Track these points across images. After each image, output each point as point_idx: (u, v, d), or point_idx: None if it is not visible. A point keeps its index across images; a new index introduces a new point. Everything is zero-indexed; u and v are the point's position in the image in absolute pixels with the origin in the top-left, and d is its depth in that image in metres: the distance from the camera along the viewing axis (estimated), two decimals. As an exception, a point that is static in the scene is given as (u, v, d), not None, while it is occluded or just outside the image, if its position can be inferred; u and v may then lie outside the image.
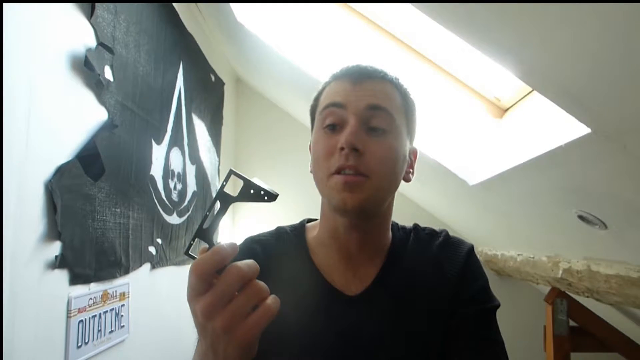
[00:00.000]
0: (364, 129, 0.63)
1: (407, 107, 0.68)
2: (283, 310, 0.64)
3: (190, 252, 0.49)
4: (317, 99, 0.71)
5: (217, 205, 0.49)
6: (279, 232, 0.76)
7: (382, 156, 0.63)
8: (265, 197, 0.49)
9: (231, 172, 0.50)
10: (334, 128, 0.65)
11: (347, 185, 0.61)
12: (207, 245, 0.47)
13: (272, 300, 0.46)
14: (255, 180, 0.49)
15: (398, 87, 0.68)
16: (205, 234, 0.48)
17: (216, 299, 0.44)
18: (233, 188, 0.49)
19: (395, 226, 0.75)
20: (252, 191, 0.49)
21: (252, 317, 0.44)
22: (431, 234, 0.75)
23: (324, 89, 0.71)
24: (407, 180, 0.71)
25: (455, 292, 0.68)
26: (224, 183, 0.49)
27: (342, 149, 0.61)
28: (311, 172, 0.70)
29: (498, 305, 0.69)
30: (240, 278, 0.44)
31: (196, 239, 0.49)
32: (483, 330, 0.67)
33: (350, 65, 0.69)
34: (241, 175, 0.49)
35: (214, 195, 2.30)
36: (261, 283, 0.46)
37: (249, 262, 0.46)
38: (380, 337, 0.65)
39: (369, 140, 0.62)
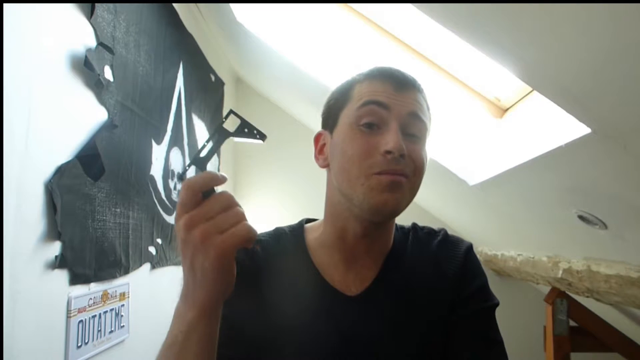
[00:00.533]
0: (402, 133, 0.63)
1: (430, 118, 0.70)
2: (282, 310, 0.64)
3: (184, 177, 0.53)
4: (345, 94, 0.68)
5: (215, 137, 0.56)
6: (278, 232, 0.75)
7: (419, 160, 0.64)
8: (257, 136, 0.56)
9: (230, 112, 0.56)
10: (372, 127, 0.63)
11: (393, 184, 0.61)
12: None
13: (249, 224, 0.49)
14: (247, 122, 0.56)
15: (425, 97, 0.69)
16: (201, 161, 0.54)
17: (200, 213, 0.47)
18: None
19: (394, 226, 0.75)
20: (246, 130, 0.56)
21: (229, 231, 0.47)
22: (430, 233, 0.75)
23: (353, 85, 0.68)
24: None
25: (454, 290, 0.68)
26: (224, 120, 0.56)
27: (388, 152, 0.60)
28: (322, 166, 0.70)
29: (497, 304, 0.69)
30: (226, 200, 0.49)
31: (191, 166, 0.56)
32: (482, 329, 0.67)
33: (387, 68, 0.68)
34: (239, 115, 0.57)
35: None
36: (242, 210, 0.49)
37: (228, 193, 0.50)
38: (381, 337, 0.65)
39: (407, 144, 0.62)
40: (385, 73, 0.67)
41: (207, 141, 0.55)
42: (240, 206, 0.50)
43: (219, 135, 0.56)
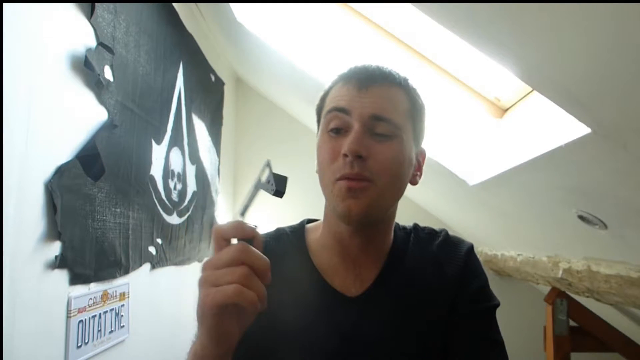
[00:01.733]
0: (367, 134, 0.62)
1: (414, 110, 0.67)
2: (283, 311, 0.64)
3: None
4: (323, 100, 0.70)
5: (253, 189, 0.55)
6: (279, 233, 0.75)
7: (386, 160, 0.62)
8: (274, 192, 0.55)
9: (268, 164, 0.56)
10: (339, 132, 0.64)
11: (351, 191, 0.60)
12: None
13: (250, 294, 0.45)
14: (282, 176, 0.55)
15: (406, 89, 0.67)
16: (242, 211, 0.54)
17: (211, 260, 0.47)
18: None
19: (396, 226, 0.75)
20: (269, 182, 0.55)
21: (220, 288, 0.45)
22: (431, 233, 0.75)
23: (330, 89, 0.69)
24: (414, 183, 0.70)
25: (455, 291, 0.68)
26: (267, 170, 0.56)
27: (345, 155, 0.61)
28: (317, 172, 0.70)
29: (498, 305, 0.69)
30: (233, 253, 0.46)
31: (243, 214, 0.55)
32: (483, 330, 0.67)
33: (359, 66, 0.68)
34: (271, 169, 0.56)
35: (213, 194, 2.30)
36: (255, 277, 0.47)
37: (260, 255, 0.48)
38: (381, 337, 0.65)
39: (373, 144, 0.62)
40: (353, 74, 0.66)
41: (254, 193, 0.55)
42: (258, 259, 0.47)
43: (255, 187, 0.55)
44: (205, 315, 0.47)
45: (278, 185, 0.54)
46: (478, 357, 0.65)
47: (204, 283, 0.47)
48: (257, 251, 0.48)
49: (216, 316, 0.47)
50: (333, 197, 0.63)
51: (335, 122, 0.64)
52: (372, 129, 0.62)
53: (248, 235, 0.48)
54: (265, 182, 0.55)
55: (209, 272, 0.47)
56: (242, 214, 0.53)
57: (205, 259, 0.49)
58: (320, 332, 0.65)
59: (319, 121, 0.71)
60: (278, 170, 0.56)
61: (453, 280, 0.69)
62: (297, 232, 0.75)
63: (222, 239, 0.48)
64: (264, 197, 0.56)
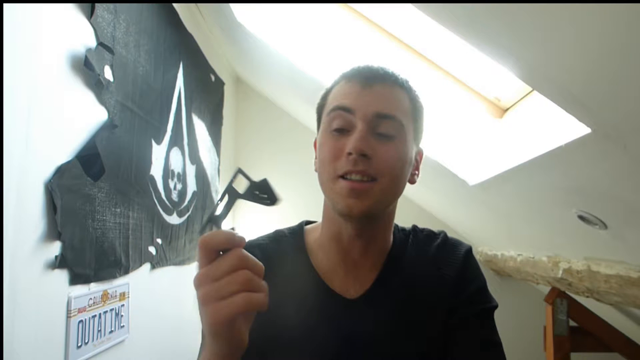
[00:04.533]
0: (371, 133, 0.62)
1: (415, 111, 0.67)
2: (282, 313, 0.64)
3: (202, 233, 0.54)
4: (324, 98, 0.70)
5: (226, 197, 0.53)
6: (278, 235, 0.75)
7: (390, 160, 0.63)
8: (268, 201, 0.52)
9: (238, 171, 0.53)
10: (342, 131, 0.64)
11: (353, 191, 0.61)
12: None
13: (258, 296, 0.46)
14: (261, 181, 0.53)
15: (408, 90, 0.67)
16: (216, 220, 0.52)
17: (208, 271, 0.46)
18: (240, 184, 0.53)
19: (395, 228, 0.75)
20: (257, 192, 0.53)
21: (229, 299, 0.44)
22: (430, 235, 0.75)
23: (332, 88, 0.69)
24: (412, 182, 0.70)
25: (453, 293, 0.68)
26: (232, 179, 0.53)
27: (349, 154, 0.61)
28: (316, 170, 0.70)
29: (496, 306, 0.69)
30: (232, 260, 0.45)
31: (209, 224, 0.53)
32: (481, 331, 0.67)
33: (361, 66, 0.68)
34: (247, 176, 0.53)
35: (220, 191, 2.30)
36: (257, 278, 0.47)
37: (255, 259, 0.47)
38: (380, 339, 0.65)
39: (376, 144, 0.62)
40: (356, 73, 0.66)
41: (220, 200, 0.52)
42: (256, 264, 0.47)
43: (229, 196, 0.53)
44: (218, 331, 0.46)
45: (268, 193, 0.53)
46: (476, 359, 0.65)
47: (208, 299, 0.45)
48: (252, 257, 0.48)
49: (230, 327, 0.46)
50: (334, 195, 0.63)
51: (338, 121, 0.64)
52: (375, 128, 0.63)
53: (239, 245, 0.47)
54: (249, 193, 0.53)
55: (209, 287, 0.45)
56: (219, 225, 0.52)
57: (196, 275, 0.46)
58: (320, 334, 0.65)
59: (319, 119, 0.71)
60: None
61: (451, 282, 0.69)
62: (296, 234, 0.75)
63: (213, 251, 0.46)
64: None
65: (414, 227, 0.76)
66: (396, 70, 0.68)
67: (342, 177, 0.62)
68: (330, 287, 0.68)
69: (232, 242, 0.47)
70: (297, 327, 0.64)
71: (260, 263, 0.48)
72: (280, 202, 0.53)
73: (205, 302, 0.45)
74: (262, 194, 0.53)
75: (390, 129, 0.63)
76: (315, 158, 0.71)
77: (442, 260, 0.71)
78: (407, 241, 0.73)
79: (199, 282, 0.46)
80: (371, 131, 0.62)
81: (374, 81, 0.64)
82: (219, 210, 0.52)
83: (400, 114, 0.64)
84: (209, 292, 0.45)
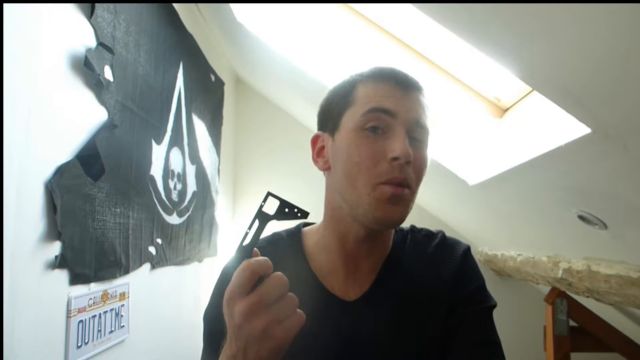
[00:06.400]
0: (407, 138, 0.62)
1: (432, 117, 0.68)
2: None
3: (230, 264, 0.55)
4: (346, 95, 0.66)
5: (256, 223, 0.54)
6: (275, 238, 0.75)
7: (422, 167, 0.64)
8: (299, 215, 0.54)
9: (268, 194, 0.55)
10: (376, 131, 0.62)
11: (394, 197, 0.60)
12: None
13: (303, 314, 0.50)
14: (287, 201, 0.55)
15: (427, 97, 0.68)
16: (245, 250, 0.53)
17: (260, 301, 0.47)
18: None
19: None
20: (286, 209, 0.55)
21: (289, 321, 0.48)
22: (428, 235, 0.75)
23: (355, 86, 0.66)
24: None
25: (452, 292, 0.68)
26: (262, 204, 0.54)
27: (395, 159, 0.59)
28: (322, 169, 0.69)
29: (494, 306, 0.69)
30: (282, 285, 0.48)
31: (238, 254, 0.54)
32: (480, 331, 0.67)
33: (389, 68, 0.66)
34: (278, 197, 0.55)
35: (218, 190, 2.29)
36: (293, 297, 0.50)
37: (284, 277, 0.49)
38: (380, 341, 0.65)
39: (412, 150, 0.62)
40: (390, 75, 0.65)
41: (249, 227, 0.53)
42: (287, 282, 0.50)
43: (259, 220, 0.54)
44: (271, 354, 0.48)
45: (296, 208, 0.55)
46: (476, 358, 0.65)
47: (271, 325, 0.47)
48: (281, 274, 0.50)
49: (284, 350, 0.49)
50: (371, 201, 0.61)
51: (375, 123, 0.62)
52: (410, 134, 0.63)
53: (272, 269, 0.50)
54: (280, 212, 0.55)
55: (267, 315, 0.47)
56: (249, 255, 0.53)
57: (243, 305, 0.47)
58: (319, 337, 0.65)
59: (335, 116, 0.67)
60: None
61: (450, 282, 0.69)
62: (294, 236, 0.74)
63: (257, 277, 0.48)
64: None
65: (412, 227, 0.76)
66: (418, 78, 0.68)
67: (385, 183, 0.61)
68: (329, 289, 0.68)
69: (269, 269, 0.49)
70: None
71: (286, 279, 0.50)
72: (309, 214, 0.55)
73: (270, 328, 0.47)
74: (292, 209, 0.55)
75: (422, 136, 0.64)
76: (319, 156, 0.70)
77: (440, 260, 0.71)
78: (406, 241, 0.73)
79: (254, 314, 0.47)
80: (408, 136, 0.62)
81: (410, 87, 0.64)
82: (248, 239, 0.53)
83: (429, 122, 0.66)
84: (272, 319, 0.47)
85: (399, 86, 0.63)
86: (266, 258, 0.49)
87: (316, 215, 0.78)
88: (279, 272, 0.49)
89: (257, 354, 0.47)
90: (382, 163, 0.61)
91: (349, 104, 0.65)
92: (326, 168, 0.69)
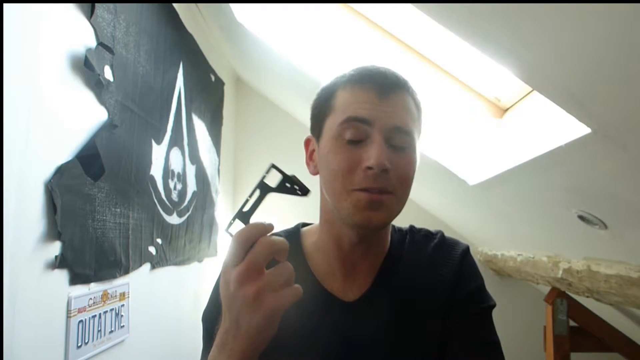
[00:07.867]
0: (386, 145, 0.60)
1: (418, 115, 0.66)
2: (281, 317, 0.64)
3: (229, 231, 0.54)
4: (327, 101, 0.66)
5: (257, 192, 0.55)
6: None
7: (405, 173, 0.62)
8: (299, 192, 0.55)
9: (272, 166, 0.55)
10: (355, 142, 0.61)
11: (373, 203, 0.59)
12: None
13: (300, 288, 0.50)
14: (292, 175, 0.56)
15: (412, 94, 0.65)
16: (244, 216, 0.54)
17: (250, 266, 0.47)
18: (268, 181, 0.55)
19: (392, 228, 0.75)
20: (287, 185, 0.55)
21: (283, 291, 0.48)
22: (427, 235, 0.75)
23: (336, 90, 0.65)
24: None
25: (451, 292, 0.68)
26: (265, 174, 0.55)
27: (369, 168, 0.58)
28: (314, 174, 0.69)
29: (494, 306, 0.69)
30: (269, 246, 0.48)
31: (235, 220, 0.55)
32: (479, 331, 0.67)
33: (370, 70, 0.64)
34: (281, 170, 0.55)
35: (218, 188, 2.29)
36: (291, 267, 0.50)
37: (280, 239, 0.50)
38: (379, 341, 0.65)
39: (393, 156, 0.60)
40: (368, 78, 0.63)
41: (250, 196, 0.54)
42: (285, 251, 0.51)
43: (260, 191, 0.55)
44: (271, 324, 0.49)
45: (299, 185, 0.55)
46: (475, 358, 0.65)
47: (261, 292, 0.47)
48: (277, 238, 0.50)
49: (276, 320, 0.49)
50: (348, 206, 0.61)
51: (352, 132, 0.61)
52: (391, 140, 0.61)
53: (269, 232, 0.50)
54: (281, 186, 0.55)
55: (261, 282, 0.47)
56: (247, 222, 0.54)
57: (237, 271, 0.48)
58: (320, 338, 0.65)
59: (319, 121, 0.67)
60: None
61: (449, 282, 0.69)
62: (293, 236, 0.74)
63: (249, 242, 0.48)
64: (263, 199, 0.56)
65: (411, 227, 0.76)
66: (398, 72, 0.66)
67: (360, 190, 0.60)
68: (328, 290, 0.68)
69: (263, 230, 0.49)
70: (296, 331, 0.64)
71: (283, 240, 0.50)
72: (311, 194, 0.55)
73: (262, 294, 0.47)
74: (294, 186, 0.55)
75: (405, 141, 0.62)
76: (310, 159, 0.70)
77: (439, 260, 0.71)
78: (404, 241, 0.73)
79: (246, 279, 0.47)
80: (386, 143, 0.60)
81: (389, 90, 0.62)
82: (247, 207, 0.54)
83: (412, 125, 0.63)
84: (264, 285, 0.47)
85: (377, 88, 0.62)
86: (255, 224, 0.50)
87: (315, 216, 0.78)
88: (267, 237, 0.49)
89: (249, 324, 0.48)
90: (357, 172, 0.60)
91: (329, 111, 0.65)
92: (315, 172, 0.69)
